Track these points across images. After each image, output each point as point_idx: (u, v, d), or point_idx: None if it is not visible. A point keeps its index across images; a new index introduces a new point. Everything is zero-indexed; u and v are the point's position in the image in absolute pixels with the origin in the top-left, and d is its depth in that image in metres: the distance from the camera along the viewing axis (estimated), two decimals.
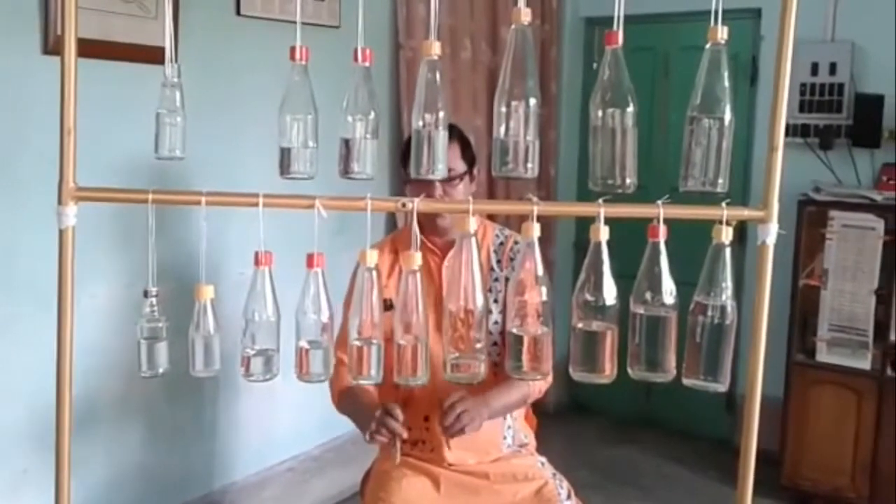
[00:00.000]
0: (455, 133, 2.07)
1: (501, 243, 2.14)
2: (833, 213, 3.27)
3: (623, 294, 1.25)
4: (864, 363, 3.23)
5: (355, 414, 2.07)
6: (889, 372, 3.20)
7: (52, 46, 2.22)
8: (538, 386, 2.07)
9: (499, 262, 2.11)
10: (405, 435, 1.92)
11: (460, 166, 2.06)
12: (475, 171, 2.13)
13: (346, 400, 2.08)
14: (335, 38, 2.93)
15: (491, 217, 2.28)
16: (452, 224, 2.02)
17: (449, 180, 2.01)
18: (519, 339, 1.24)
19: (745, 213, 1.31)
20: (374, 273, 1.28)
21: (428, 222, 2.07)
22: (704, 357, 1.25)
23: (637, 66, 4.02)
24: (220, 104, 2.75)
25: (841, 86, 3.52)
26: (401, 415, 1.90)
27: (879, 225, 3.19)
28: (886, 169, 3.39)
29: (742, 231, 3.58)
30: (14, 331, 2.27)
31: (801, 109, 3.58)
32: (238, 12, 2.79)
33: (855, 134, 3.48)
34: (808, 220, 3.35)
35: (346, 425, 3.19)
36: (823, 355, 3.32)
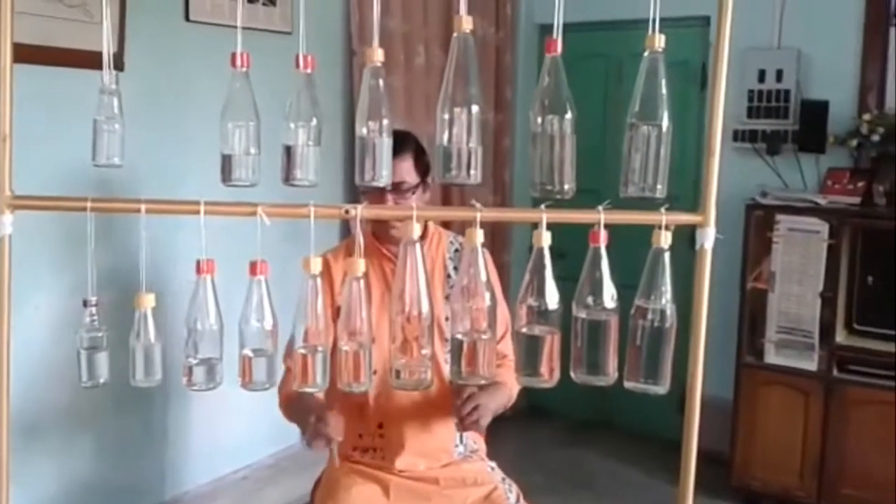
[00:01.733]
0: (410, 144, 2.04)
1: (457, 250, 2.13)
2: (779, 216, 3.32)
3: (569, 298, 1.26)
4: (811, 364, 3.29)
5: (296, 418, 2.04)
6: (835, 373, 3.27)
7: None
8: (515, 390, 2.04)
9: (455, 268, 2.10)
10: (340, 438, 1.89)
11: (413, 178, 2.02)
12: (429, 181, 2.07)
13: (291, 405, 2.04)
14: (287, 44, 2.92)
15: (445, 224, 2.27)
16: (405, 232, 2.00)
17: (401, 192, 1.99)
18: (460, 344, 1.24)
19: (684, 217, 1.33)
20: (319, 280, 1.27)
21: (382, 231, 2.06)
22: (645, 360, 1.27)
23: (590, 73, 4.05)
24: (169, 110, 2.72)
25: (787, 92, 3.59)
26: (332, 418, 1.87)
27: (824, 229, 3.25)
28: (831, 173, 3.46)
29: (693, 235, 3.63)
30: None
31: (749, 115, 3.64)
32: (187, 18, 2.77)
33: (801, 139, 3.54)
34: (756, 223, 3.39)
35: (299, 433, 3.20)
36: (771, 357, 3.38)
